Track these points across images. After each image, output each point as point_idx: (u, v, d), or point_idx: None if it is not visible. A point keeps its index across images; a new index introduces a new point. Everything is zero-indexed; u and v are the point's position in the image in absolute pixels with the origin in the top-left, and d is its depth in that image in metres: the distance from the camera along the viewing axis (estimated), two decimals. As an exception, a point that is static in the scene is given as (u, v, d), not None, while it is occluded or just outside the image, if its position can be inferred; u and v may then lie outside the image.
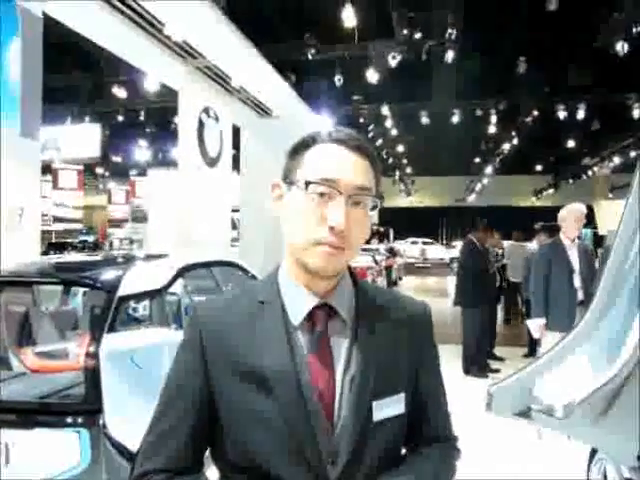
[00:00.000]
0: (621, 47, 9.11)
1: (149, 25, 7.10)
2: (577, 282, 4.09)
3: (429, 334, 1.03)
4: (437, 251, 30.69)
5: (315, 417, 0.87)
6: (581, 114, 14.96)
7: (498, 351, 7.34)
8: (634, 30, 8.85)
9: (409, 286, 17.98)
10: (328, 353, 0.91)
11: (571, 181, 26.88)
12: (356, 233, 0.90)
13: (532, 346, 6.84)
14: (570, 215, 4.22)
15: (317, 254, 0.89)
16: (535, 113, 16.06)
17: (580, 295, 4.05)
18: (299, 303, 0.93)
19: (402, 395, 0.94)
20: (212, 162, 9.42)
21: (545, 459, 3.89)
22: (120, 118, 16.62)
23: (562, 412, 1.84)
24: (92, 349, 2.73)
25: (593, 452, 2.79)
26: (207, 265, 4.26)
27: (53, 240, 18.49)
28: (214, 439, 0.92)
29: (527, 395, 2.16)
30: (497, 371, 6.49)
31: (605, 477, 2.62)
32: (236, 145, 11.24)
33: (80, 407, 2.71)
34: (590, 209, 22.32)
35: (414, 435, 0.98)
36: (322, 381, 0.89)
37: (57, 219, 17.74)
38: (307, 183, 0.89)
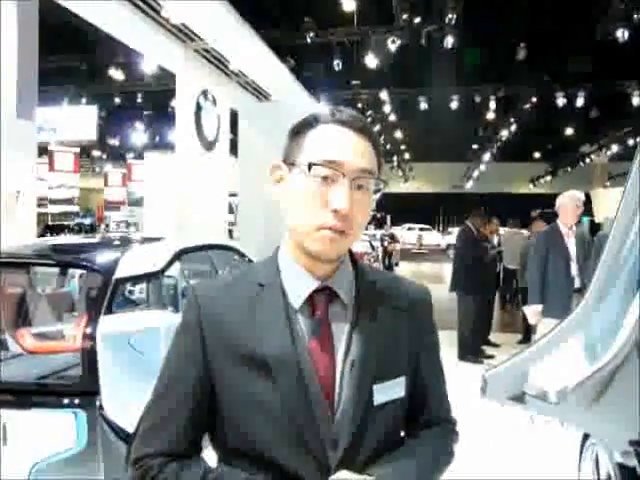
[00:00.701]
0: (621, 35, 9.05)
1: (147, 7, 7.02)
2: (574, 269, 4.11)
3: (429, 318, 1.03)
4: (433, 237, 30.75)
5: (316, 402, 0.86)
6: (580, 102, 14.90)
7: (493, 337, 7.39)
8: (635, 17, 8.79)
9: (405, 272, 18.03)
10: (328, 337, 0.90)
11: (569, 169, 26.86)
12: (359, 217, 0.88)
13: (527, 332, 6.89)
14: (568, 202, 4.22)
15: (320, 238, 0.87)
16: (534, 100, 15.99)
17: (577, 282, 4.07)
18: (299, 286, 0.92)
19: (402, 379, 0.94)
20: (209, 146, 9.37)
21: (537, 444, 3.94)
22: (117, 100, 16.50)
23: (555, 397, 1.86)
24: (89, 331, 2.74)
25: (585, 437, 2.83)
26: (204, 248, 4.26)
27: (49, 222, 18.43)
28: (213, 424, 0.91)
29: (521, 380, 2.18)
30: (491, 357, 6.54)
31: (597, 462, 2.66)
32: (234, 129, 11.18)
33: (77, 388, 2.73)
34: (587, 197, 22.34)
35: (413, 418, 0.98)
36: (322, 365, 0.88)
37: (53, 201, 17.66)
38: (310, 165, 0.87)
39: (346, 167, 0.87)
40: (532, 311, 4.27)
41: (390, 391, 0.91)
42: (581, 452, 2.85)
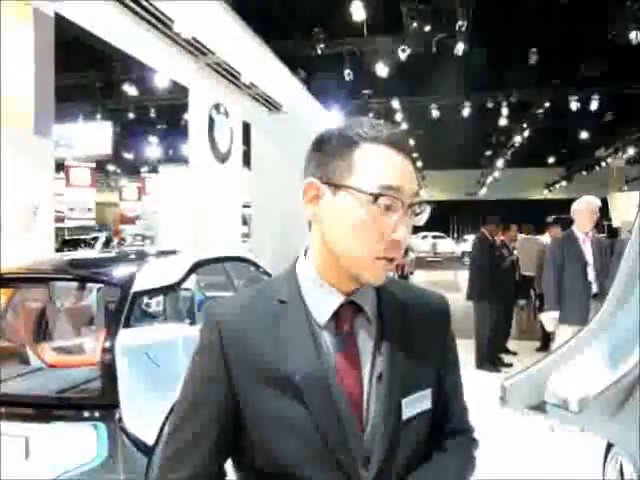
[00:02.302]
0: (635, 36, 8.98)
1: (159, 22, 7.12)
2: (591, 275, 4.06)
3: (448, 328, 1.02)
4: (448, 245, 30.55)
5: (346, 419, 0.85)
6: (594, 105, 14.78)
7: (511, 345, 7.31)
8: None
9: (420, 280, 17.92)
10: (355, 352, 0.89)
11: (584, 173, 26.60)
12: (409, 239, 0.88)
13: (545, 340, 6.80)
14: (584, 208, 4.18)
15: (376, 269, 0.85)
16: (547, 105, 15.90)
17: (594, 288, 4.02)
18: (324, 302, 0.89)
19: (428, 391, 0.93)
20: (222, 158, 9.45)
21: (559, 454, 3.88)
22: (131, 115, 16.73)
23: (577, 406, 1.83)
24: (108, 344, 2.77)
25: (609, 447, 2.77)
26: (219, 260, 4.28)
27: (66, 237, 18.67)
28: (238, 447, 0.89)
29: (541, 389, 2.15)
30: (510, 365, 6.47)
31: (621, 472, 2.61)
32: (246, 141, 11.26)
33: (97, 401, 2.75)
34: (604, 201, 22.09)
35: (437, 430, 0.97)
36: (350, 381, 0.87)
37: (69, 217, 17.89)
38: (375, 195, 0.82)
39: (404, 194, 0.85)
40: (549, 318, 4.22)
41: (418, 404, 0.91)
42: (605, 462, 2.80)
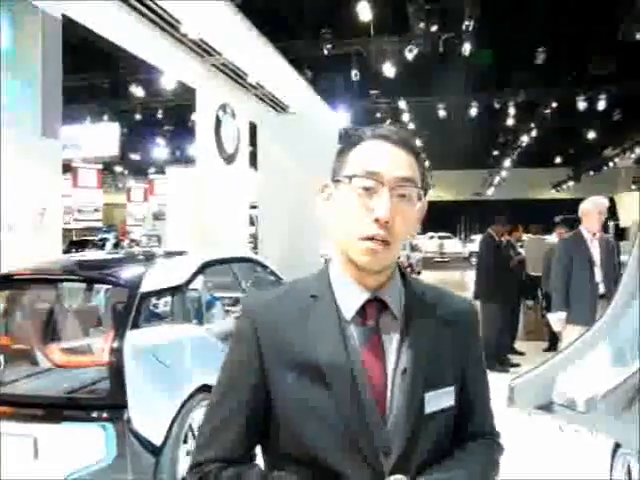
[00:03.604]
0: (643, 36, 8.93)
1: (166, 24, 7.16)
2: (598, 276, 4.04)
3: (475, 330, 1.06)
4: (455, 245, 30.47)
5: (369, 410, 0.89)
6: (602, 105, 14.68)
7: (518, 345, 7.28)
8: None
9: (428, 280, 17.89)
10: (379, 347, 0.93)
11: (592, 173, 26.44)
12: (401, 226, 0.91)
13: (553, 340, 6.76)
14: (592, 208, 4.16)
15: (363, 250, 0.90)
16: (554, 104, 15.81)
17: (602, 288, 3.99)
18: (351, 298, 0.94)
19: (452, 388, 0.96)
20: (229, 159, 9.47)
21: (567, 454, 3.86)
22: (138, 116, 16.79)
23: (584, 406, 1.83)
24: (116, 345, 2.79)
25: (617, 446, 2.76)
26: (227, 261, 4.30)
27: (74, 238, 18.77)
28: (267, 430, 0.94)
29: (548, 389, 2.15)
30: (517, 365, 6.44)
31: (629, 472, 2.59)
32: (253, 142, 11.28)
33: (105, 402, 2.77)
34: (612, 201, 21.96)
35: (459, 430, 0.99)
36: (374, 374, 0.91)
37: (76, 219, 18.01)
38: (351, 177, 0.91)
39: (385, 177, 0.90)
40: (556, 318, 4.20)
41: (440, 400, 0.93)
42: (612, 462, 2.79)
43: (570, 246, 4.29)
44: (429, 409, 0.91)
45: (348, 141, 0.98)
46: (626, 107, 16.11)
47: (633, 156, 22.26)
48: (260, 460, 0.99)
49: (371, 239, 0.89)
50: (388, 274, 0.96)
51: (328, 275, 0.98)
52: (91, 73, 13.89)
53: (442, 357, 0.96)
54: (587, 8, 10.64)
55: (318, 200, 0.99)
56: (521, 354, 7.03)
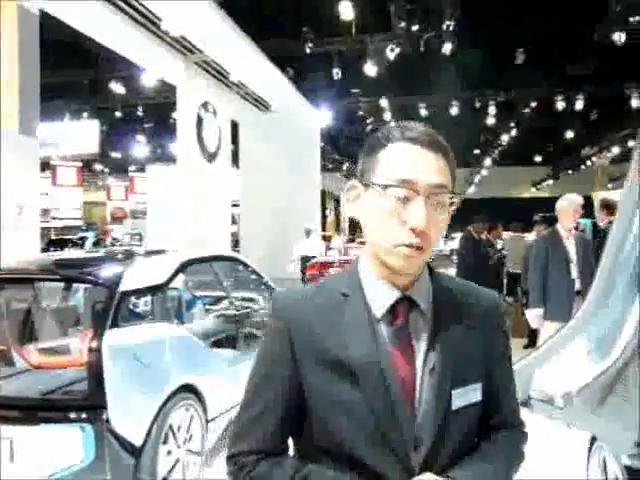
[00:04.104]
0: (618, 38, 9.08)
1: (146, 20, 7.08)
2: (574, 272, 4.10)
3: (501, 323, 1.07)
4: (437, 243, 30.65)
5: (398, 406, 0.91)
6: (580, 105, 14.92)
7: (498, 342, 7.36)
8: (631, 20, 8.82)
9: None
10: (409, 344, 0.95)
11: (570, 172, 26.82)
12: (435, 232, 0.92)
13: (532, 337, 6.85)
14: (566, 206, 4.23)
15: (398, 256, 0.91)
16: (534, 104, 16.02)
17: (577, 285, 4.05)
18: (381, 296, 0.96)
19: (479, 384, 0.98)
20: (211, 157, 9.41)
21: (544, 448, 3.92)
22: (118, 114, 16.59)
23: (561, 401, 1.86)
24: (95, 345, 2.76)
25: (592, 440, 2.81)
26: (207, 260, 4.27)
27: (53, 237, 18.51)
28: (300, 424, 0.96)
29: (526, 385, 2.18)
30: (497, 362, 6.52)
31: (604, 465, 2.64)
32: (235, 140, 11.22)
33: (83, 403, 2.74)
34: (589, 199, 22.28)
35: (486, 422, 1.02)
36: (404, 371, 0.93)
37: (55, 217, 17.75)
38: (385, 187, 0.90)
39: (419, 185, 0.90)
40: (533, 315, 4.27)
41: (467, 396, 0.96)
42: (589, 455, 2.83)
43: (547, 243, 4.35)
44: (456, 405, 0.94)
45: (375, 141, 0.96)
46: (603, 107, 16.38)
47: (609, 155, 22.62)
48: (292, 452, 1.02)
49: (406, 245, 0.90)
50: (418, 273, 0.98)
51: (358, 273, 1.00)
52: (70, 70, 13.68)
53: (470, 354, 0.98)
54: (566, 10, 10.78)
55: (344, 200, 1.00)
56: (501, 351, 7.11)
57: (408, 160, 0.91)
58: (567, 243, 4.17)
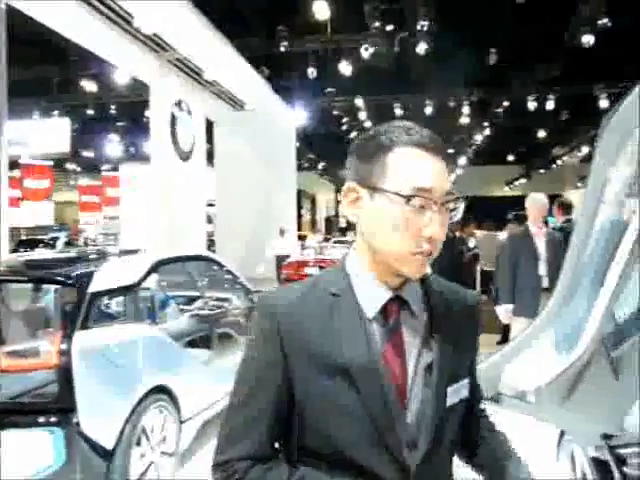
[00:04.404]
0: (587, 40, 9.28)
1: (118, 17, 6.99)
2: (542, 269, 4.17)
3: (479, 322, 1.10)
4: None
5: (393, 405, 0.91)
6: (550, 105, 15.21)
7: (472, 339, 7.46)
8: (599, 23, 9.02)
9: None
10: (401, 343, 0.95)
11: (542, 171, 27.30)
12: (443, 236, 0.92)
13: (505, 333, 6.96)
14: (533, 204, 4.31)
15: (413, 264, 0.91)
16: (506, 104, 16.26)
17: (545, 282, 4.13)
18: (373, 296, 0.96)
19: (467, 380, 1.01)
20: (185, 156, 9.33)
21: (515, 443, 3.98)
22: (90, 112, 16.31)
23: (528, 396, 1.90)
24: (64, 347, 2.71)
25: (561, 434, 2.87)
26: (181, 260, 4.23)
27: (23, 237, 18.12)
28: (290, 428, 0.95)
29: (496, 381, 2.21)
30: (471, 359, 6.61)
31: (573, 458, 2.70)
32: (210, 139, 11.14)
33: (53, 406, 2.69)
34: (560, 197, 22.66)
35: (468, 413, 1.06)
36: (397, 370, 0.93)
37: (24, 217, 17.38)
38: (408, 197, 0.89)
39: (436, 194, 0.90)
40: (503, 310, 4.35)
41: (459, 392, 0.98)
42: (558, 449, 2.90)
43: (517, 241, 4.44)
44: (450, 402, 0.96)
45: (375, 142, 0.94)
46: (573, 108, 16.72)
47: (580, 155, 23.10)
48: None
49: (421, 253, 0.91)
50: None
51: (347, 273, 0.99)
52: (40, 66, 13.40)
53: (461, 350, 1.00)
54: (537, 12, 10.96)
55: (343, 203, 0.98)
56: (475, 347, 7.21)
57: (424, 168, 0.91)
58: (537, 241, 4.25)
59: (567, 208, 5.13)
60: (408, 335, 0.96)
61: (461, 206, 0.95)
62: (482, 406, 1.15)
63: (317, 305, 0.95)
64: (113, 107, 15.98)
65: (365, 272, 0.97)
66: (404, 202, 0.89)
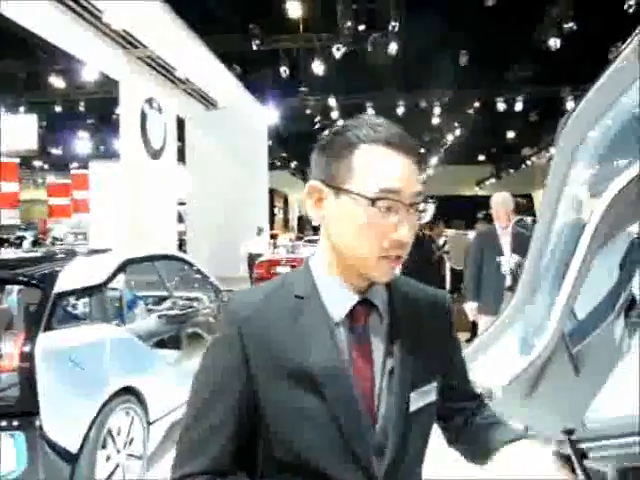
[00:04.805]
0: (554, 43, 9.49)
1: (87, 13, 6.86)
2: (506, 267, 4.24)
3: (452, 318, 1.07)
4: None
5: (361, 414, 0.88)
6: (520, 106, 15.52)
7: (443, 337, 7.57)
8: (566, 27, 9.22)
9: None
10: (368, 347, 0.92)
11: (512, 171, 27.80)
12: (411, 239, 0.88)
13: (474, 331, 7.08)
14: (498, 203, 4.39)
15: (381, 268, 0.88)
16: (477, 105, 16.52)
17: (508, 281, 4.20)
18: (340, 300, 0.92)
19: (434, 384, 0.97)
20: (156, 154, 9.22)
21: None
22: (59, 109, 15.99)
23: (491, 393, 1.93)
24: (27, 349, 2.65)
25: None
26: (150, 259, 4.18)
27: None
28: (255, 438, 0.90)
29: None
30: (441, 356, 6.71)
31: (536, 452, 2.76)
32: (181, 137, 11.03)
33: (15, 409, 2.63)
34: (530, 197, 23.15)
35: (452, 401, 1.05)
36: (364, 375, 0.90)
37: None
38: (374, 199, 0.84)
39: (404, 195, 0.86)
40: (469, 308, 4.43)
41: (425, 397, 0.95)
42: (523, 444, 2.95)
43: (483, 239, 4.52)
44: (415, 407, 0.92)
45: (341, 139, 0.89)
46: (541, 109, 17.08)
47: (548, 155, 23.58)
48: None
49: (389, 257, 0.87)
50: None
51: (312, 275, 0.94)
52: (5, 61, 13.07)
53: (427, 354, 0.96)
54: (507, 14, 11.15)
55: (307, 203, 0.92)
56: (445, 345, 7.32)
57: (391, 168, 0.86)
58: (502, 239, 4.32)
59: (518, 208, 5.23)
60: (375, 339, 0.93)
61: (431, 207, 0.91)
62: (474, 404, 1.09)
63: (282, 308, 0.91)
64: (82, 104, 15.69)
65: (331, 274, 0.93)
66: (369, 204, 0.84)
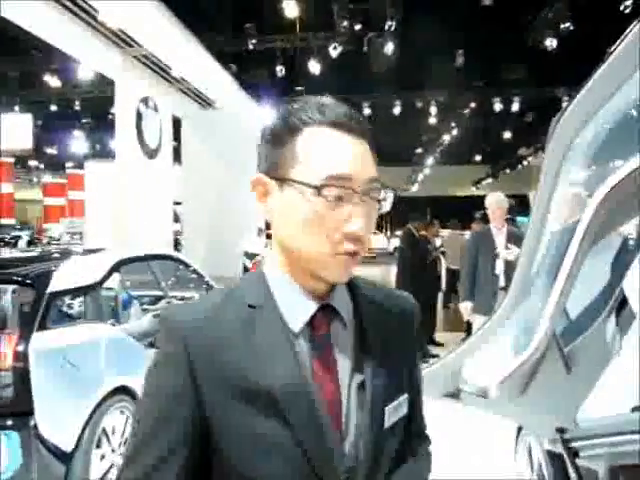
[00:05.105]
0: (549, 43, 9.52)
1: (82, 11, 6.84)
2: (499, 268, 4.27)
3: (416, 329, 0.96)
4: (380, 241, 31.16)
5: (328, 434, 0.78)
6: (516, 107, 15.57)
7: (439, 336, 7.57)
8: (561, 27, 9.26)
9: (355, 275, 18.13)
10: (332, 359, 0.81)
11: (508, 171, 27.86)
12: (369, 232, 0.79)
13: (469, 330, 7.10)
14: (492, 204, 4.42)
15: (335, 266, 0.77)
16: (473, 105, 16.56)
17: (502, 281, 4.23)
18: (298, 307, 0.81)
19: (405, 396, 0.88)
20: (151, 154, 9.20)
21: (474, 437, 4.06)
22: (54, 108, 15.94)
23: (485, 392, 1.94)
24: (21, 348, 2.66)
25: (519, 429, 2.95)
26: (145, 259, 4.18)
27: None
28: (210, 471, 0.78)
29: (455, 377, 2.26)
30: (437, 356, 6.70)
31: (530, 451, 2.78)
32: (177, 137, 11.00)
33: (9, 409, 2.63)
34: (526, 198, 23.19)
35: (406, 432, 0.91)
36: (329, 392, 0.80)
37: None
38: (319, 188, 0.74)
39: (355, 182, 0.75)
40: (464, 308, 4.46)
41: (397, 411, 0.85)
42: (516, 443, 2.97)
43: (478, 239, 4.55)
44: (390, 422, 0.83)
45: (284, 124, 0.79)
46: (537, 109, 17.13)
47: (544, 155, 23.62)
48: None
49: (343, 254, 0.76)
50: None
51: (265, 280, 0.83)
52: (0, 60, 13.03)
53: (397, 364, 0.87)
54: (503, 14, 11.19)
55: (256, 198, 0.83)
56: (441, 345, 7.32)
57: (339, 152, 0.76)
58: (497, 239, 4.35)
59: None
60: (341, 349, 0.82)
61: (390, 195, 0.80)
62: (421, 427, 0.99)
63: (233, 320, 0.79)
64: (77, 103, 15.66)
65: (286, 279, 0.82)
66: (315, 193, 0.74)
